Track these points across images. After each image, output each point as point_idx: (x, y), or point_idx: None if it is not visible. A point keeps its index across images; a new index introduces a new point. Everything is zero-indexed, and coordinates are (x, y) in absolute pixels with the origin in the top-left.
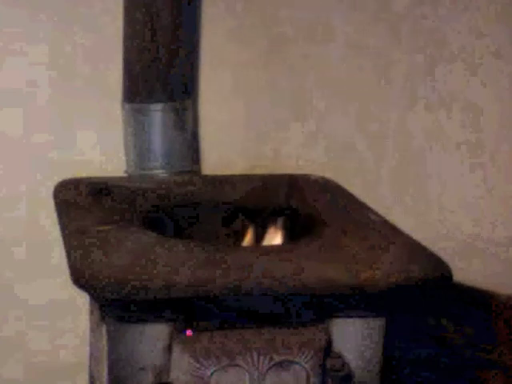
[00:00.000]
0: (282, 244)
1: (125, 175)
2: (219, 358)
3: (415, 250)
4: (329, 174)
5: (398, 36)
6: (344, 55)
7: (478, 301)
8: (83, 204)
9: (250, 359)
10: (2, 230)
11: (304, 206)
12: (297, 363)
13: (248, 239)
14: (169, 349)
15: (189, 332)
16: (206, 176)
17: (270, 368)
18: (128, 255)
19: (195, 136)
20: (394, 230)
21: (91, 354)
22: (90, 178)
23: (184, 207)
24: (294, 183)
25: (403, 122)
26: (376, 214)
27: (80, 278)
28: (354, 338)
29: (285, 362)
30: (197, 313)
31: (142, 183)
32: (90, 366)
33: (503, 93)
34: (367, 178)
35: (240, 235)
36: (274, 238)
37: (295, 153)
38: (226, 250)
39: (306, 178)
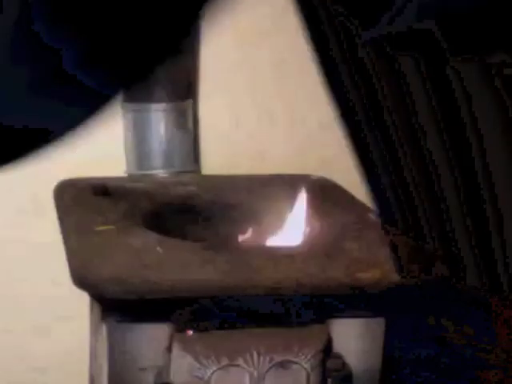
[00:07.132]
0: (282, 244)
1: (125, 175)
2: (219, 358)
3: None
4: (328, 174)
5: None
6: None
7: (477, 301)
8: (83, 204)
9: (250, 359)
10: (1, 230)
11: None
12: (297, 363)
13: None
14: (169, 349)
15: (189, 332)
16: (206, 176)
17: (270, 368)
18: (128, 255)
19: (195, 136)
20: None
21: (91, 354)
22: (90, 178)
23: (184, 207)
24: (294, 183)
25: None
26: (376, 213)
27: (80, 278)
28: (354, 338)
29: (285, 362)
30: (197, 313)
31: (142, 183)
32: (90, 366)
33: None
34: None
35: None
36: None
37: (295, 153)
38: (226, 250)
39: (305, 178)
